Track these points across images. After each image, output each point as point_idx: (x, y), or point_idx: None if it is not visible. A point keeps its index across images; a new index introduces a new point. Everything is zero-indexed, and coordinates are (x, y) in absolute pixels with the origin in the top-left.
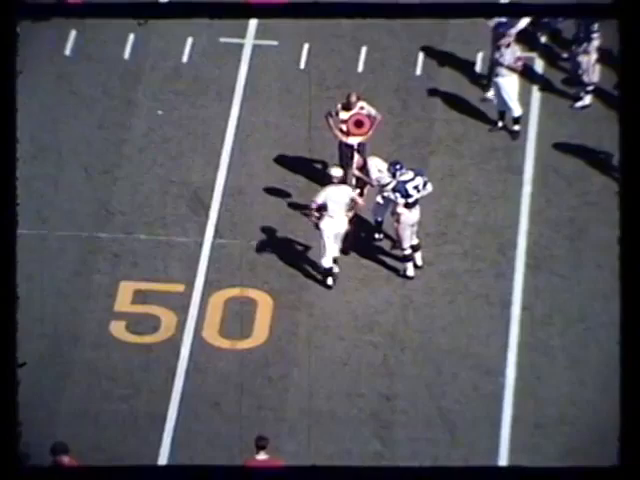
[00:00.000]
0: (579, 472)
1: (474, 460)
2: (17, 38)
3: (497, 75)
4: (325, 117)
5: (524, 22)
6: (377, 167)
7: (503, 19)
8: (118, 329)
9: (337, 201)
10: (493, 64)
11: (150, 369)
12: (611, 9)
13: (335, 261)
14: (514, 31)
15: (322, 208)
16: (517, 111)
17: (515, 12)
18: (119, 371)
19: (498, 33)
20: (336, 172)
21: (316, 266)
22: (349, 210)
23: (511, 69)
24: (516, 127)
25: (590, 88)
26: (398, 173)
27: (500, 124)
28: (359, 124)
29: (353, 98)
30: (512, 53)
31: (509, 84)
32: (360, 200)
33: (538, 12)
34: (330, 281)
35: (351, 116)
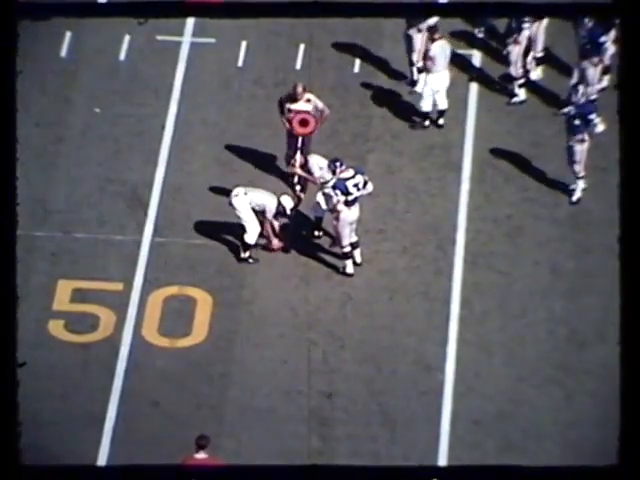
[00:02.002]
0: (578, 472)
1: (414, 457)
2: (17, 38)
3: (427, 70)
4: (278, 103)
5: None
6: (318, 165)
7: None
8: (56, 328)
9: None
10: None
11: (89, 368)
12: (611, 9)
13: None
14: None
15: None
16: (426, 107)
17: (515, 12)
18: (58, 370)
19: (431, 28)
20: (286, 202)
21: (257, 264)
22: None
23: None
24: (440, 121)
25: (521, 81)
26: (338, 170)
27: (434, 121)
28: (304, 123)
29: (299, 89)
30: (442, 49)
31: (436, 80)
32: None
33: (538, 12)
34: (247, 254)
35: (297, 113)
